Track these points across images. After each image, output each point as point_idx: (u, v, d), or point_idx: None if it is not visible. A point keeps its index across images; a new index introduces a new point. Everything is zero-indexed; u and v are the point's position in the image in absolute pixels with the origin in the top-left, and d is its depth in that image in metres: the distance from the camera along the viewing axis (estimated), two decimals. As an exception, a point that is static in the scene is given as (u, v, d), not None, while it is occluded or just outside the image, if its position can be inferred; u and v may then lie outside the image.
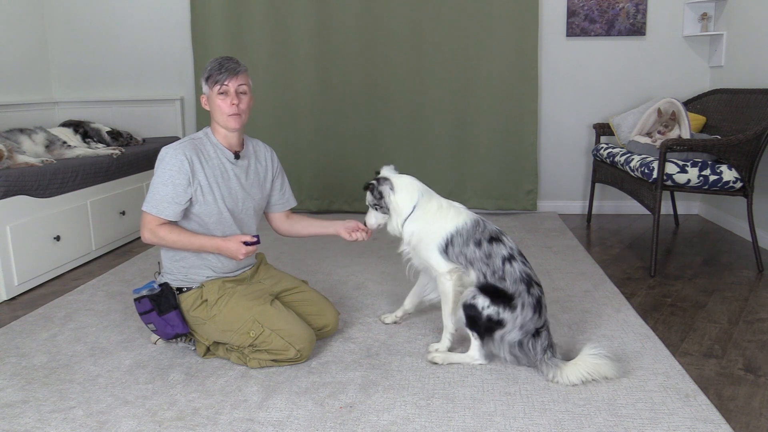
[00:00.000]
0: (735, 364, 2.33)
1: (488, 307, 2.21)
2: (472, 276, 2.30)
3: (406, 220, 2.38)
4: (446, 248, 2.31)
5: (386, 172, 2.44)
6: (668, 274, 3.39)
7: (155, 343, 2.55)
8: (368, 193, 2.42)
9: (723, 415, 1.95)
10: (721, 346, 2.48)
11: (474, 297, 2.24)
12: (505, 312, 2.21)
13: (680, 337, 2.58)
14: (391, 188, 2.37)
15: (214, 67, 2.30)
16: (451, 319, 2.38)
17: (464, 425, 1.92)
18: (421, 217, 2.36)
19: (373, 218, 2.47)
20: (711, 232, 4.29)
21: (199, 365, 2.36)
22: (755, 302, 2.95)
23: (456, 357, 2.33)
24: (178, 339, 2.47)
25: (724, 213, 4.44)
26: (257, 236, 2.33)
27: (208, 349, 2.41)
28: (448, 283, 2.33)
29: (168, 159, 2.25)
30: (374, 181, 2.40)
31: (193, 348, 2.47)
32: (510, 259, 2.26)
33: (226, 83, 2.28)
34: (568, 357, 2.24)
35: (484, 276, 2.26)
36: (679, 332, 2.63)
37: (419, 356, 2.40)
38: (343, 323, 2.72)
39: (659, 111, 3.99)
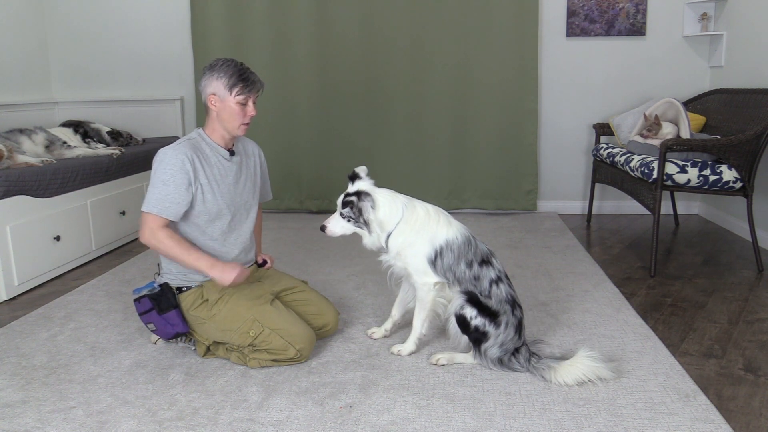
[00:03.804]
0: (735, 364, 2.33)
1: (475, 317, 2.23)
2: (456, 290, 2.29)
3: (390, 234, 2.29)
4: (434, 259, 2.27)
5: (363, 177, 2.31)
6: (668, 274, 3.39)
7: (155, 343, 2.55)
8: (345, 206, 2.29)
9: (723, 415, 1.95)
10: (721, 346, 2.48)
11: (462, 307, 2.24)
12: (491, 326, 2.22)
13: (680, 337, 2.58)
14: (373, 206, 2.25)
15: (237, 75, 2.28)
16: (421, 324, 2.37)
17: (464, 425, 1.92)
18: (407, 230, 2.28)
19: (339, 227, 2.32)
20: (711, 232, 4.29)
21: (199, 365, 2.36)
22: (755, 302, 2.95)
23: (460, 357, 2.33)
24: (178, 339, 2.47)
25: (724, 213, 4.44)
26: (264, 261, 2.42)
27: (208, 349, 2.41)
28: (431, 294, 2.31)
29: (169, 159, 2.24)
30: (354, 198, 2.25)
31: (193, 348, 2.48)
32: (497, 281, 2.26)
33: (249, 95, 2.31)
34: (565, 358, 2.24)
35: None
36: (679, 332, 2.63)
37: (419, 356, 2.40)
38: (343, 323, 2.72)
39: (645, 116, 4.01)
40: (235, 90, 2.28)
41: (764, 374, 2.25)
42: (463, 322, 2.25)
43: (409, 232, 2.28)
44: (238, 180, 2.43)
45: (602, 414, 1.96)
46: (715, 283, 3.22)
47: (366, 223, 2.27)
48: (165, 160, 2.25)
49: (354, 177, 2.32)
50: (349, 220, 2.30)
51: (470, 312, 2.23)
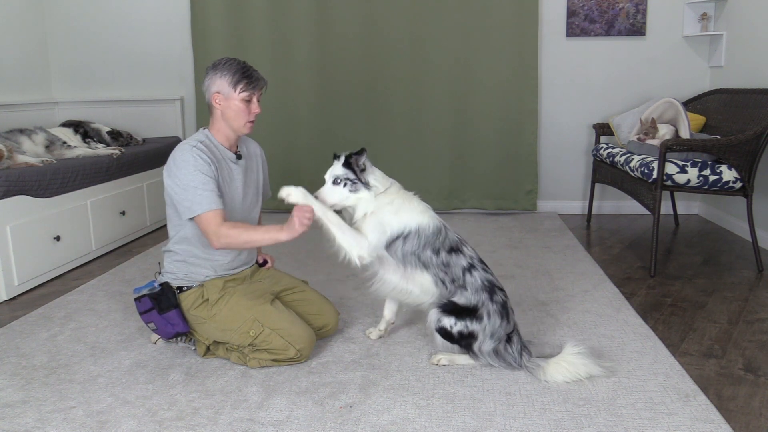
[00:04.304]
0: (735, 364, 2.33)
1: (455, 324, 2.22)
2: (427, 280, 2.27)
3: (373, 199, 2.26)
4: (395, 240, 2.24)
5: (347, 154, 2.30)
6: (668, 274, 3.39)
7: (155, 343, 2.55)
8: (339, 166, 2.25)
9: (723, 415, 1.95)
10: (721, 346, 2.48)
11: (439, 320, 2.24)
12: (473, 324, 2.21)
13: (680, 337, 2.58)
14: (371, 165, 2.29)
15: (241, 72, 2.28)
16: (330, 222, 2.23)
17: (464, 425, 1.92)
18: (392, 196, 2.28)
19: (335, 195, 2.26)
20: (711, 232, 4.29)
21: (199, 365, 2.36)
22: (755, 302, 2.95)
23: (461, 359, 2.32)
24: (178, 339, 2.47)
25: (724, 213, 4.44)
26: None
27: (208, 348, 2.41)
28: (355, 260, 2.22)
29: (192, 161, 2.22)
30: (355, 154, 2.25)
31: (193, 348, 2.48)
32: (470, 268, 2.25)
33: (254, 92, 2.31)
34: (554, 355, 2.23)
35: (443, 282, 2.25)
36: (679, 332, 2.63)
37: (419, 356, 2.40)
38: (343, 323, 2.72)
39: (641, 120, 4.02)
40: (240, 87, 2.28)
41: (764, 374, 2.25)
42: (445, 334, 2.24)
43: (396, 197, 2.28)
44: (245, 183, 2.44)
45: (602, 414, 1.96)
46: (715, 283, 3.22)
47: (365, 183, 2.24)
48: (189, 162, 2.22)
49: (338, 155, 2.31)
50: (345, 184, 2.25)
51: (448, 321, 2.22)
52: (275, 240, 2.22)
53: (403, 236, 2.24)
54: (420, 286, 2.30)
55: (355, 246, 2.23)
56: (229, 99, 2.29)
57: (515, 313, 2.34)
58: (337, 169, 2.27)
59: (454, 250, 2.26)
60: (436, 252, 2.24)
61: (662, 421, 1.92)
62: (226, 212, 2.26)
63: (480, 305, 2.21)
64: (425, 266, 2.25)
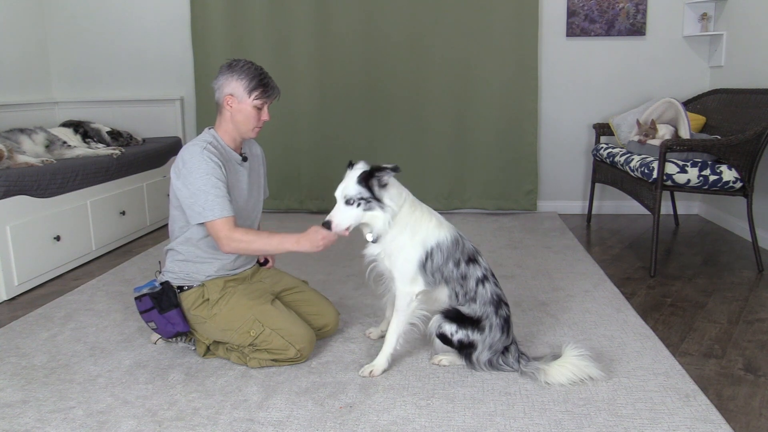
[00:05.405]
0: (735, 364, 2.33)
1: (456, 332, 2.21)
2: (443, 294, 2.26)
3: (393, 216, 2.15)
4: (425, 263, 2.19)
5: (362, 166, 2.16)
6: (668, 274, 3.39)
7: (155, 343, 2.55)
8: (352, 184, 2.10)
9: (723, 415, 1.95)
10: (721, 346, 2.48)
11: (440, 327, 2.23)
12: (475, 334, 2.20)
13: (680, 337, 2.58)
14: (387, 180, 2.15)
15: (258, 79, 2.28)
16: (396, 339, 2.25)
17: (464, 425, 1.92)
18: (404, 219, 2.18)
19: (347, 217, 2.12)
20: (711, 232, 4.29)
21: (199, 365, 2.36)
22: (755, 302, 2.95)
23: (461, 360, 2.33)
24: (179, 338, 2.47)
25: (724, 213, 4.44)
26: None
27: (208, 348, 2.41)
28: (413, 305, 2.23)
29: (204, 164, 2.20)
30: (372, 170, 2.12)
31: (193, 348, 2.48)
32: (483, 280, 2.23)
33: (267, 100, 2.31)
34: (554, 356, 2.23)
35: (456, 295, 2.24)
36: (679, 332, 2.63)
37: (419, 356, 2.40)
38: (343, 323, 2.72)
39: (638, 123, 4.02)
40: (255, 94, 2.28)
41: (764, 374, 2.25)
42: (446, 340, 2.24)
43: (403, 224, 2.18)
44: (249, 185, 2.44)
45: (602, 414, 1.96)
46: (715, 283, 3.22)
47: (379, 201, 2.11)
48: (201, 165, 2.20)
49: (352, 164, 2.21)
50: (359, 204, 2.11)
51: (449, 329, 2.22)
52: (289, 251, 2.23)
53: (428, 255, 2.20)
54: (435, 302, 2.29)
55: (406, 305, 2.22)
56: (242, 103, 2.29)
57: (515, 313, 2.34)
58: (350, 188, 2.11)
59: (472, 260, 2.24)
60: (457, 264, 2.21)
61: (662, 421, 1.92)
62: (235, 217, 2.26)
63: (484, 317, 2.21)
64: (446, 281, 2.23)
